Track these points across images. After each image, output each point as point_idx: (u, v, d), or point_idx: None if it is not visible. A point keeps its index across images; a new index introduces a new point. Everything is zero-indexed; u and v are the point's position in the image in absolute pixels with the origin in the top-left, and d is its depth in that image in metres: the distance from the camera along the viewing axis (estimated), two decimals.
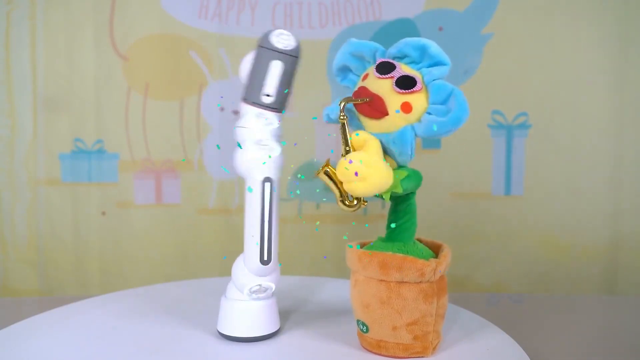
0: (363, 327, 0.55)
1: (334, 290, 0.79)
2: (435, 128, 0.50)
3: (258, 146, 0.56)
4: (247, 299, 0.59)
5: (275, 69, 0.57)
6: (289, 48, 0.57)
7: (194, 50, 1.12)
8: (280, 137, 0.59)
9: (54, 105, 1.11)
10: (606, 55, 1.08)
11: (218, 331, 0.60)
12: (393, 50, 0.53)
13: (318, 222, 1.11)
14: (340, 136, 0.52)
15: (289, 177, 1.10)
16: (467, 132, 1.10)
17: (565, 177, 1.10)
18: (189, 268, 1.14)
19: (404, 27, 1.10)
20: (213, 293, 0.70)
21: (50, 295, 1.13)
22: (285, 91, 0.56)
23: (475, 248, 1.12)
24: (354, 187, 0.48)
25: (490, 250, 1.12)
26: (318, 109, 1.09)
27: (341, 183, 0.50)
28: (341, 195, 0.51)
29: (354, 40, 0.56)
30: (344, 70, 0.58)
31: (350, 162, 0.48)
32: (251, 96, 0.57)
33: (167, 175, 1.13)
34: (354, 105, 0.53)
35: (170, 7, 1.11)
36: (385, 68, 0.52)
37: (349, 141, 0.51)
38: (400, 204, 0.55)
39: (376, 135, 0.52)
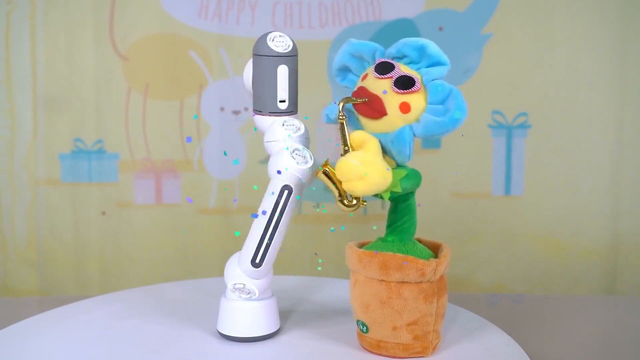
0: (363, 327, 0.55)
1: (334, 290, 0.79)
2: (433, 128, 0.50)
3: (293, 154, 0.56)
4: (234, 297, 0.58)
5: (283, 73, 0.57)
6: (288, 49, 0.57)
7: (194, 50, 1.12)
8: (308, 143, 0.59)
9: (54, 105, 1.11)
10: (606, 55, 1.08)
11: (218, 331, 0.60)
12: (392, 50, 0.53)
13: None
14: (339, 136, 0.52)
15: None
16: (467, 132, 1.10)
17: (565, 177, 1.10)
18: (189, 268, 1.14)
19: (404, 27, 1.10)
20: (213, 293, 0.70)
21: (50, 295, 1.13)
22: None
23: (475, 248, 1.12)
24: (353, 187, 0.49)
25: (490, 250, 1.12)
26: (318, 109, 1.09)
27: (340, 182, 0.50)
28: (340, 195, 0.51)
29: (353, 40, 0.56)
30: (344, 70, 0.58)
31: (350, 161, 0.48)
32: (267, 107, 0.57)
33: (167, 175, 1.13)
34: (353, 105, 0.53)
35: (170, 7, 1.11)
36: (384, 68, 0.52)
37: (348, 141, 0.51)
38: (399, 204, 0.55)
39: (375, 135, 0.52)
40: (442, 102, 0.50)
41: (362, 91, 0.53)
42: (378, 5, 1.11)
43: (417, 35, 1.11)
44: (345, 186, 0.49)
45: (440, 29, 1.10)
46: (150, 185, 1.13)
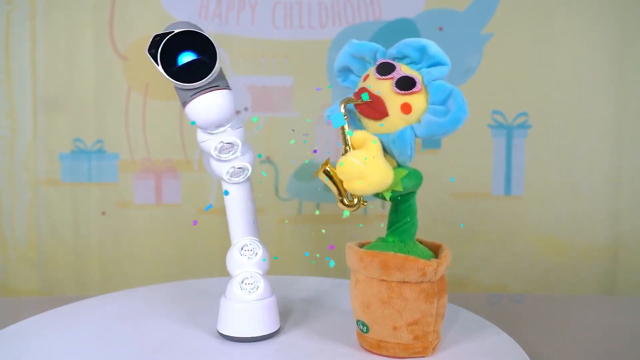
0: (363, 327, 0.56)
1: (334, 290, 0.79)
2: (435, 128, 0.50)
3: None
4: (247, 298, 0.59)
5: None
6: None
7: None
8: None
9: (54, 105, 1.11)
10: (606, 55, 1.08)
11: (218, 331, 0.60)
12: (393, 50, 0.53)
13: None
14: (340, 136, 0.52)
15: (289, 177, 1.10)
16: (467, 132, 1.10)
17: (565, 177, 1.10)
18: (189, 268, 1.14)
19: (404, 27, 1.10)
20: (213, 293, 0.70)
21: (50, 295, 1.13)
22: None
23: (475, 248, 1.12)
24: (354, 186, 0.48)
25: (490, 250, 1.12)
26: (318, 109, 1.09)
27: (341, 182, 0.50)
28: (340, 195, 0.51)
29: (354, 41, 0.56)
30: (345, 71, 0.58)
31: (351, 160, 0.48)
32: (223, 81, 0.59)
33: (167, 175, 1.13)
34: (355, 105, 0.53)
35: (170, 7, 1.11)
36: (385, 69, 0.52)
37: (349, 141, 0.51)
38: (400, 204, 0.55)
39: (377, 136, 0.52)
40: (443, 103, 0.50)
41: (363, 92, 0.53)
42: (378, 5, 1.11)
43: (417, 35, 1.11)
44: (346, 185, 0.49)
45: (440, 29, 1.10)
46: (150, 185, 1.13)
